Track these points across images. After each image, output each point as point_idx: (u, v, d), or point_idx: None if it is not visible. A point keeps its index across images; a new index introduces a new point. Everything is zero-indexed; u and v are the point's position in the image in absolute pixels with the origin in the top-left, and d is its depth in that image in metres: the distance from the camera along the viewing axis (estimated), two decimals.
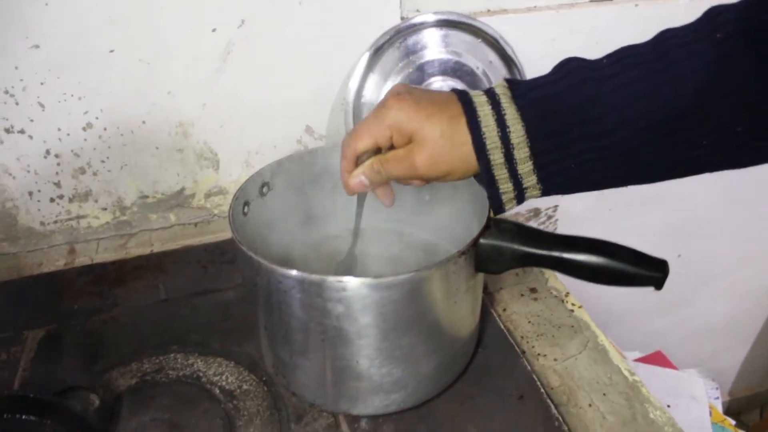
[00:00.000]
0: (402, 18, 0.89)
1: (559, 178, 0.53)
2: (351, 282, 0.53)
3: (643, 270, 0.55)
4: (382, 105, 0.56)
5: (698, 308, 1.49)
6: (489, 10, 0.94)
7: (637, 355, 1.19)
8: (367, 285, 0.53)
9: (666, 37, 0.50)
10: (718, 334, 1.63)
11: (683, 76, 0.48)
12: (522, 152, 0.52)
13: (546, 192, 0.54)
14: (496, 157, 0.52)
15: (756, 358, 1.76)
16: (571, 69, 0.52)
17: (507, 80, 0.54)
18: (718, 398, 1.14)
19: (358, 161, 0.58)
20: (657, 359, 1.17)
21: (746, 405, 1.89)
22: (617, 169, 0.52)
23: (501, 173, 0.53)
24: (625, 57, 0.51)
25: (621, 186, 0.54)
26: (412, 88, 0.57)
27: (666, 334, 1.49)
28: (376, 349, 0.58)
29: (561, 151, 0.51)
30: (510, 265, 0.58)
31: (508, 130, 0.52)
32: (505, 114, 0.52)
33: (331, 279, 0.53)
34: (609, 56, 0.51)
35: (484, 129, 0.52)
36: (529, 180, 0.53)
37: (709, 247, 1.37)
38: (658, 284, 0.55)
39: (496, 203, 0.55)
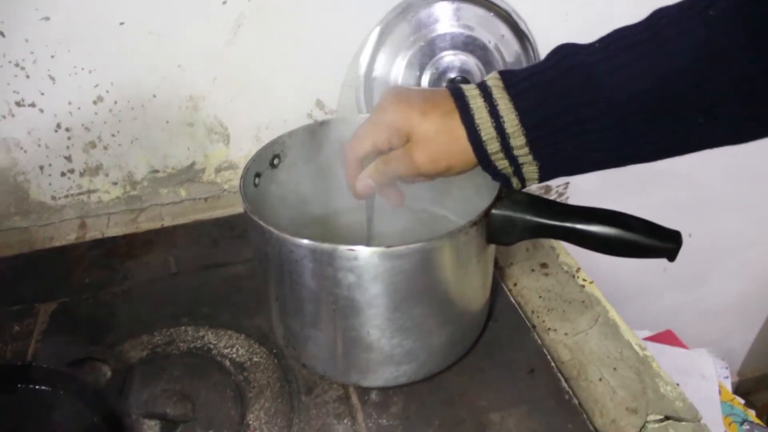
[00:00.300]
0: None
1: (558, 163, 0.53)
2: (362, 251, 0.53)
3: (657, 241, 0.54)
4: (378, 108, 0.57)
5: (709, 288, 1.49)
6: None
7: (647, 333, 1.19)
8: (378, 254, 0.53)
9: (659, 17, 0.50)
10: (728, 314, 1.62)
11: (676, 55, 0.47)
12: (518, 140, 0.52)
13: (545, 176, 0.54)
14: (493, 147, 0.53)
15: (766, 339, 1.75)
16: (563, 55, 0.52)
17: (500, 72, 0.54)
18: (727, 377, 1.14)
19: (361, 166, 0.59)
20: (667, 338, 1.17)
21: (755, 386, 1.89)
22: (615, 150, 0.52)
23: (501, 162, 0.53)
24: (617, 39, 0.50)
25: (622, 165, 0.54)
26: (406, 89, 0.57)
27: (676, 313, 1.49)
28: (387, 319, 0.58)
29: (556, 136, 0.51)
30: (522, 236, 0.58)
31: (501, 120, 0.52)
32: (497, 105, 0.52)
33: (343, 248, 0.53)
34: (601, 40, 0.51)
35: (477, 121, 0.52)
36: (529, 168, 0.54)
37: (720, 226, 1.36)
38: (671, 255, 0.54)
39: (503, 182, 0.56)
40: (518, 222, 0.57)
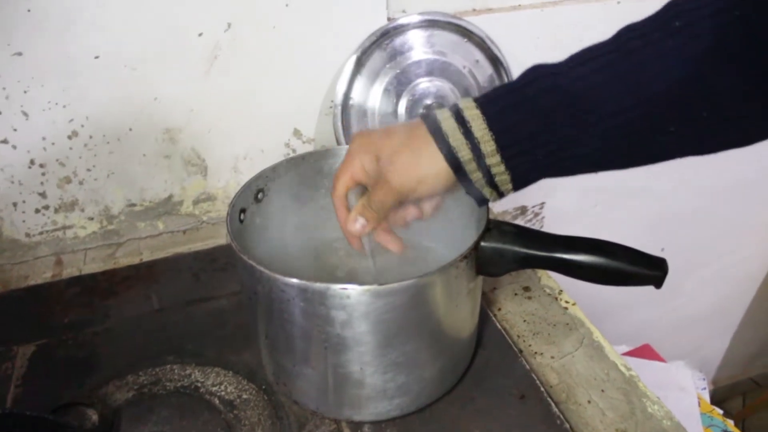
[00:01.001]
0: (388, 19, 0.89)
1: (530, 169, 0.53)
2: (354, 290, 0.53)
3: (643, 269, 0.55)
4: (348, 149, 0.59)
5: (683, 299, 1.52)
6: (474, 10, 0.94)
7: (625, 349, 1.20)
8: (370, 292, 0.53)
9: (626, 31, 0.50)
10: (702, 324, 1.65)
11: (643, 68, 0.48)
12: (488, 146, 0.52)
13: (519, 182, 0.54)
14: (464, 154, 0.52)
15: (738, 346, 1.79)
16: (536, 76, 0.52)
17: (472, 98, 0.55)
18: (705, 389, 1.16)
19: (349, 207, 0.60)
20: (645, 352, 1.18)
21: (729, 393, 1.93)
22: (587, 157, 0.52)
23: (474, 173, 0.53)
24: (587, 57, 0.51)
25: (594, 172, 0.55)
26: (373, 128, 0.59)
27: (652, 326, 1.52)
28: (379, 355, 0.58)
29: (527, 142, 0.52)
30: (510, 267, 0.58)
31: (468, 124, 0.52)
32: (463, 112, 0.52)
33: (335, 287, 0.53)
34: (572, 58, 0.52)
35: (445, 129, 0.53)
36: (502, 176, 0.53)
37: (692, 238, 1.40)
38: (658, 283, 0.55)
39: (476, 196, 0.56)
40: (507, 253, 0.57)
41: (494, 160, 0.52)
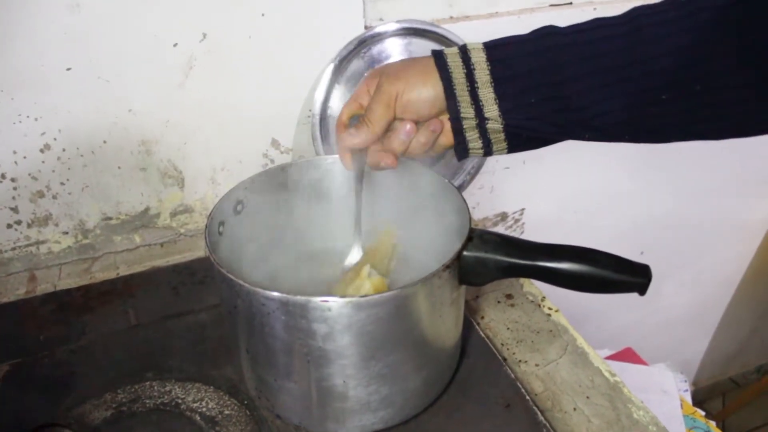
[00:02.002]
0: (366, 27, 0.88)
1: (521, 108, 0.55)
2: (335, 302, 0.52)
3: (627, 276, 0.55)
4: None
5: (663, 302, 1.53)
6: (452, 17, 0.94)
7: (608, 352, 1.21)
8: (352, 305, 0.52)
9: (637, 11, 0.52)
10: (682, 326, 1.67)
11: (654, 45, 0.50)
12: (483, 74, 0.54)
13: (507, 122, 0.56)
14: (457, 75, 0.55)
15: (717, 347, 1.81)
16: (547, 32, 0.55)
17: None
18: (687, 390, 1.16)
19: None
20: (627, 356, 1.19)
21: (709, 394, 1.95)
22: (580, 111, 0.54)
23: (464, 100, 0.55)
24: (596, 27, 0.53)
25: (583, 137, 0.56)
26: None
27: (633, 329, 1.53)
28: (362, 368, 0.57)
29: (523, 80, 0.54)
30: (494, 276, 0.58)
31: (469, 53, 0.55)
32: (468, 46, 0.56)
33: (316, 300, 0.52)
34: (582, 24, 0.54)
35: (446, 52, 0.56)
36: (490, 108, 0.55)
37: (671, 242, 1.41)
38: (642, 290, 0.55)
39: (457, 126, 0.57)
40: (489, 262, 0.57)
41: (487, 92, 0.54)
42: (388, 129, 0.60)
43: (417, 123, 0.59)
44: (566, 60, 0.53)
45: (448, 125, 0.59)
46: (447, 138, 0.60)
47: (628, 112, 0.52)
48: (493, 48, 0.56)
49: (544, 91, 0.54)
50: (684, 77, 0.49)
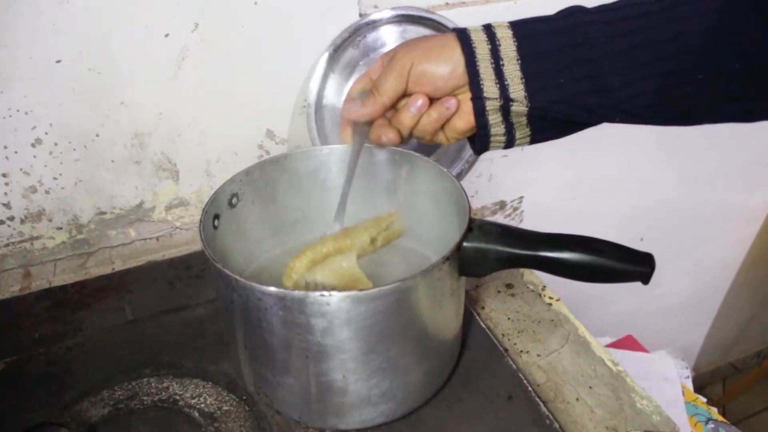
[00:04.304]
0: (360, 15, 0.87)
1: (548, 91, 0.51)
2: (334, 296, 0.51)
3: (630, 265, 0.54)
4: None
5: (663, 288, 1.52)
6: (447, 3, 0.93)
7: (608, 340, 1.20)
8: (351, 298, 0.51)
9: None
10: (682, 313, 1.66)
11: (686, 27, 0.48)
12: (509, 50, 0.51)
13: (532, 97, 0.52)
14: (481, 50, 0.51)
15: (717, 332, 1.81)
16: (573, 11, 0.52)
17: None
18: (688, 377, 1.16)
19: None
20: (628, 343, 1.18)
21: (710, 379, 1.95)
22: (610, 93, 0.51)
23: (486, 69, 0.52)
24: (628, 5, 0.50)
25: (609, 118, 0.53)
26: None
27: (633, 316, 1.52)
28: (362, 362, 0.56)
29: (552, 58, 0.51)
30: (495, 267, 0.57)
31: (493, 29, 0.52)
32: (493, 24, 0.53)
33: (314, 294, 0.51)
34: (611, 3, 0.52)
35: (469, 29, 0.53)
36: (516, 88, 0.51)
37: (670, 228, 1.40)
38: (645, 279, 0.54)
39: (479, 106, 0.53)
40: (490, 253, 0.56)
41: (513, 69, 0.51)
42: (397, 105, 0.57)
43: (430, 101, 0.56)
44: (597, 38, 0.50)
45: (465, 107, 0.55)
46: (463, 121, 0.55)
47: (661, 94, 0.49)
48: (519, 25, 0.52)
49: (575, 71, 0.50)
50: (721, 55, 0.47)
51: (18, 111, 0.75)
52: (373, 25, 0.87)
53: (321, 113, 0.88)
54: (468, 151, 0.98)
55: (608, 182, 1.22)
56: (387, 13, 0.86)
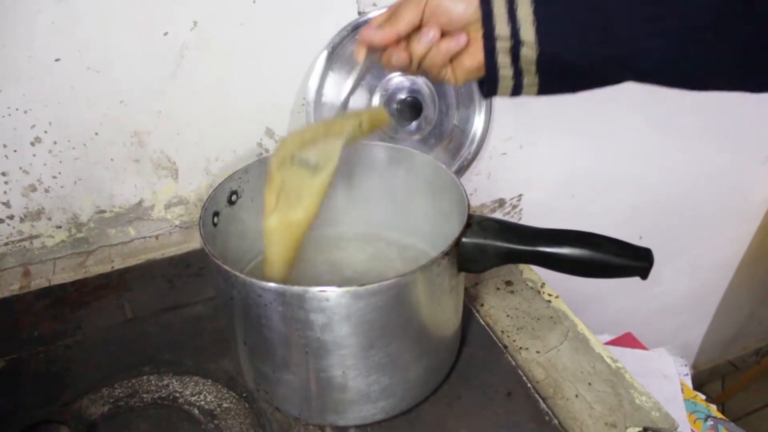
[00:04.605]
0: (359, 13, 0.87)
1: (559, 37, 0.51)
2: (333, 292, 0.51)
3: (628, 260, 0.54)
4: None
5: (662, 286, 1.52)
6: None
7: (608, 337, 1.20)
8: (350, 294, 0.52)
9: None
10: (681, 310, 1.66)
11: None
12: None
13: (543, 52, 0.52)
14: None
15: (717, 330, 1.81)
16: None
17: None
18: (687, 375, 1.16)
19: None
20: (627, 341, 1.18)
21: (709, 377, 1.95)
22: (620, 44, 0.50)
23: (499, 9, 0.52)
24: None
25: (620, 75, 0.52)
26: None
27: (632, 313, 1.52)
28: (362, 358, 0.56)
29: (563, 5, 0.51)
30: (493, 262, 0.57)
31: None
32: None
33: (314, 290, 0.51)
34: None
35: None
36: (527, 30, 0.51)
37: (669, 226, 1.40)
38: (644, 274, 0.55)
39: (490, 45, 0.53)
40: (489, 249, 0.56)
41: (525, 11, 0.51)
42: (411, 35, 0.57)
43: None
44: None
45: (475, 45, 0.55)
46: (472, 59, 0.56)
47: (673, 51, 0.49)
48: None
49: (588, 18, 0.50)
50: (732, 17, 0.46)
51: (17, 110, 0.75)
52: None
53: (320, 111, 0.88)
54: (467, 149, 0.98)
55: (607, 180, 1.22)
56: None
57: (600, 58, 0.51)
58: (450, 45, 0.55)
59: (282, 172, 0.59)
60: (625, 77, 0.52)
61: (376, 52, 0.60)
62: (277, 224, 0.59)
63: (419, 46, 0.56)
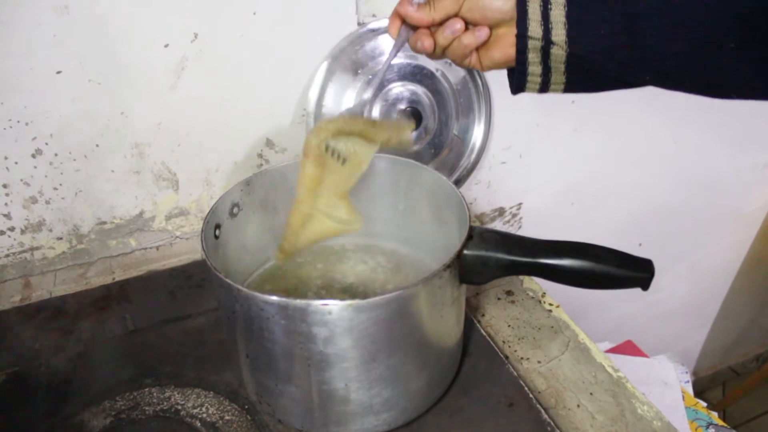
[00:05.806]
0: (359, 24, 0.87)
1: (587, 39, 0.53)
2: (336, 305, 0.51)
3: (629, 271, 0.55)
4: None
5: (661, 293, 1.52)
6: None
7: (608, 345, 1.20)
8: (352, 307, 0.52)
9: None
10: (681, 317, 1.67)
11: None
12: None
13: (571, 53, 0.54)
14: None
15: (717, 336, 1.81)
16: None
17: None
18: (688, 382, 1.16)
19: None
20: (628, 349, 1.18)
21: (709, 383, 1.95)
22: (646, 50, 0.52)
23: (534, 10, 0.54)
24: None
25: (643, 78, 0.54)
26: None
27: (632, 321, 1.52)
28: (364, 370, 0.56)
29: (593, 9, 0.52)
30: (495, 274, 0.57)
31: None
32: None
33: (316, 303, 0.51)
34: None
35: None
36: (558, 32, 0.53)
37: (668, 233, 1.40)
38: (645, 284, 0.55)
39: (522, 44, 0.55)
40: (490, 261, 0.56)
41: (558, 13, 0.52)
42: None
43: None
44: None
45: (506, 40, 0.57)
46: (501, 53, 0.58)
47: (696, 57, 0.51)
48: None
49: (617, 23, 0.52)
50: (754, 26, 0.48)
51: (18, 122, 0.76)
52: (372, 34, 0.87)
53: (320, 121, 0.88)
54: (467, 158, 0.98)
55: (607, 188, 1.22)
56: (385, 22, 0.86)
57: (626, 61, 0.53)
58: (470, 39, 0.58)
59: (321, 159, 0.61)
60: (649, 81, 0.54)
61: (408, 29, 0.62)
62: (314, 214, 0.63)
63: (443, 37, 0.59)
